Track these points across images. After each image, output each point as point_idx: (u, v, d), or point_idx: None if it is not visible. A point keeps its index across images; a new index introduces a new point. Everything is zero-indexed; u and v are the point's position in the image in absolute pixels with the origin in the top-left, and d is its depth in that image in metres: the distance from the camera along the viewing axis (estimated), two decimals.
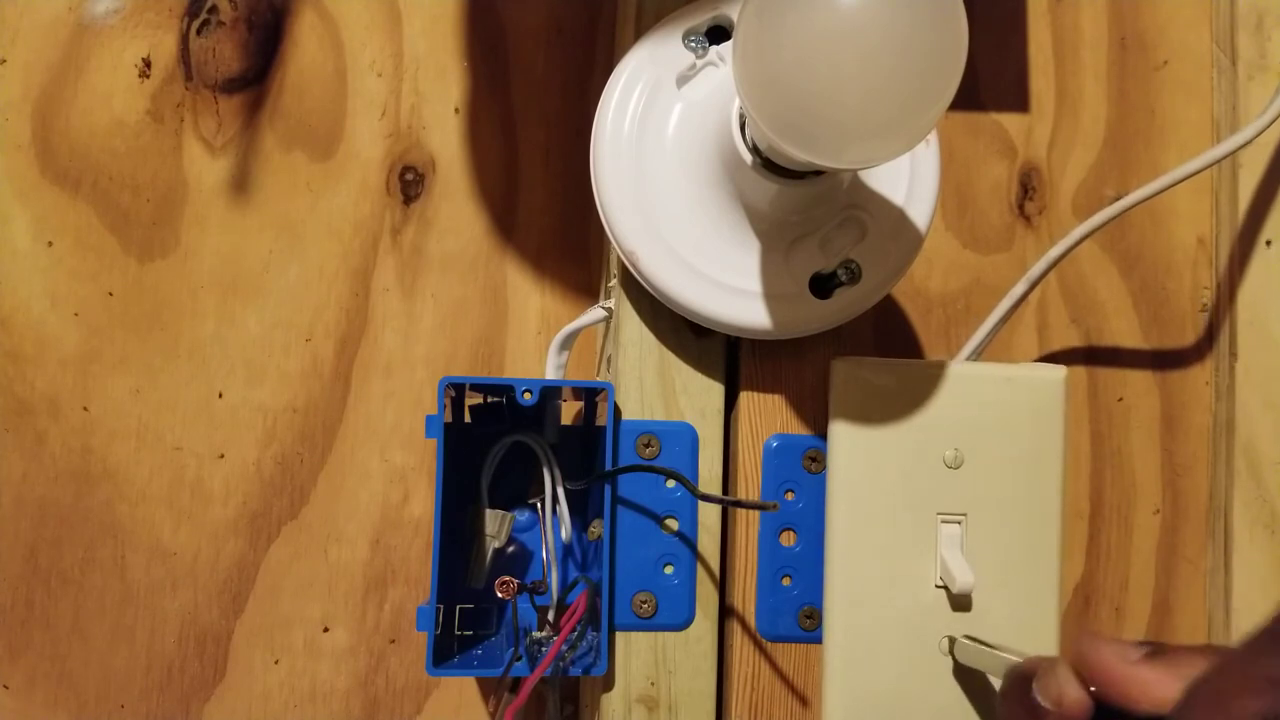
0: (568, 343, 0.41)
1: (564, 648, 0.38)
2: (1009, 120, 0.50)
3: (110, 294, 0.46)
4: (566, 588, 0.41)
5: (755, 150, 0.34)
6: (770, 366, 0.41)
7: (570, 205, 0.48)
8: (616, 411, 0.39)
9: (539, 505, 0.40)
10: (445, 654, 0.38)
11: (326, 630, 0.46)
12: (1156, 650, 0.30)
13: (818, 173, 0.34)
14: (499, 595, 0.36)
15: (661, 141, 0.38)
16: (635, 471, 0.39)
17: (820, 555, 0.40)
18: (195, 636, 0.45)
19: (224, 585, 0.46)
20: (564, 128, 0.48)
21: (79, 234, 0.46)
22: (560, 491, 0.40)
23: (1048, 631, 0.39)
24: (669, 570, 0.39)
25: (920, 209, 0.38)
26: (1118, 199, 0.43)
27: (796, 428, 0.40)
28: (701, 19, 0.38)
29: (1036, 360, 0.49)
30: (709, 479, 0.40)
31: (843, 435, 0.39)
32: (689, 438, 0.40)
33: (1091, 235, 0.42)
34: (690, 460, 0.40)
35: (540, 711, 0.46)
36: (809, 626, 0.40)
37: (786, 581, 0.40)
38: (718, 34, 0.39)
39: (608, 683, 0.39)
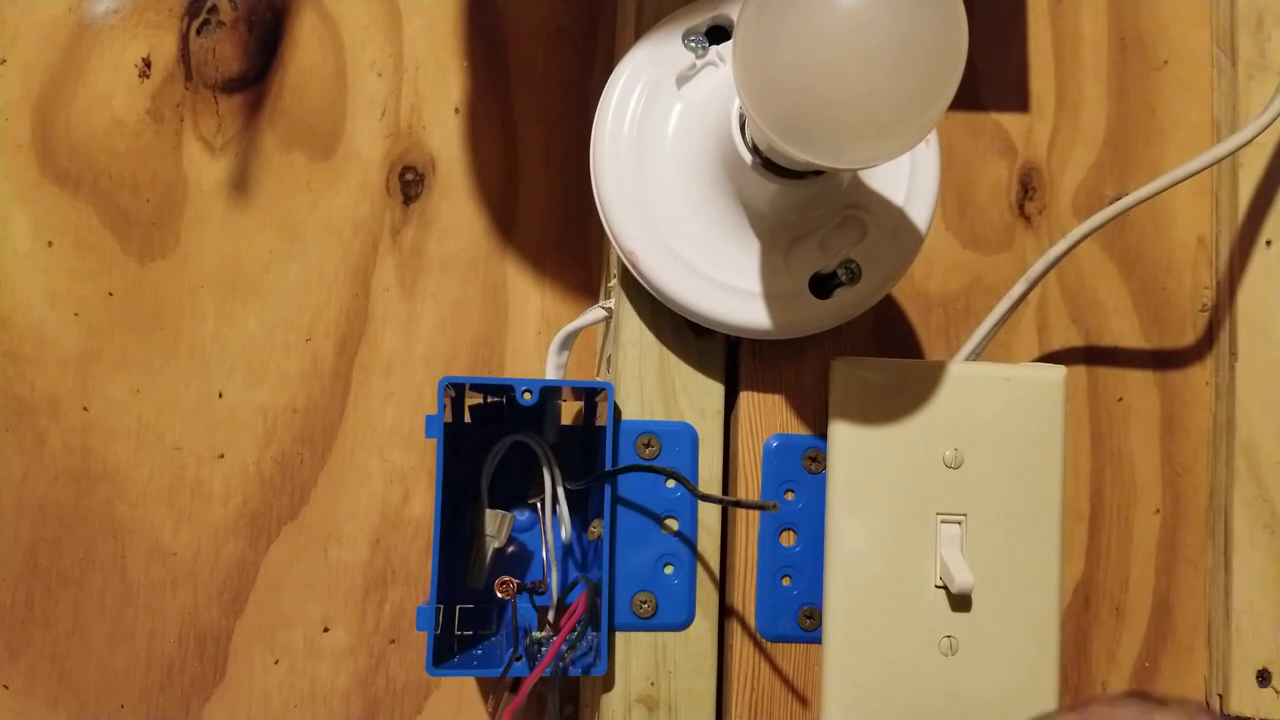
0: (568, 343, 0.41)
1: (564, 648, 0.38)
2: (1009, 120, 0.50)
3: (110, 294, 0.46)
4: (566, 588, 0.41)
5: (755, 150, 0.34)
6: (770, 366, 0.41)
7: (570, 205, 0.48)
8: (616, 411, 0.39)
9: (539, 505, 0.40)
10: (445, 654, 0.38)
11: (326, 630, 0.46)
12: None
13: (817, 173, 0.34)
14: (499, 595, 0.36)
15: (661, 141, 0.38)
16: (635, 471, 0.39)
17: (820, 555, 0.40)
18: (195, 636, 0.45)
19: (224, 585, 0.46)
20: (564, 128, 0.48)
21: (79, 234, 0.46)
22: (560, 491, 0.40)
23: (1048, 631, 0.39)
24: (669, 570, 0.39)
25: (920, 209, 0.38)
26: (1118, 199, 0.43)
27: (796, 428, 0.40)
28: (701, 19, 0.38)
29: (1036, 360, 0.49)
30: (709, 479, 0.40)
31: (843, 435, 0.39)
32: (689, 438, 0.40)
33: (1091, 235, 0.42)
34: (690, 460, 0.40)
35: (540, 712, 0.46)
36: (809, 626, 0.40)
37: (786, 581, 0.40)
38: (718, 34, 0.39)
39: (608, 683, 0.39)
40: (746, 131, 0.35)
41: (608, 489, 0.38)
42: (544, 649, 0.38)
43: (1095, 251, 0.49)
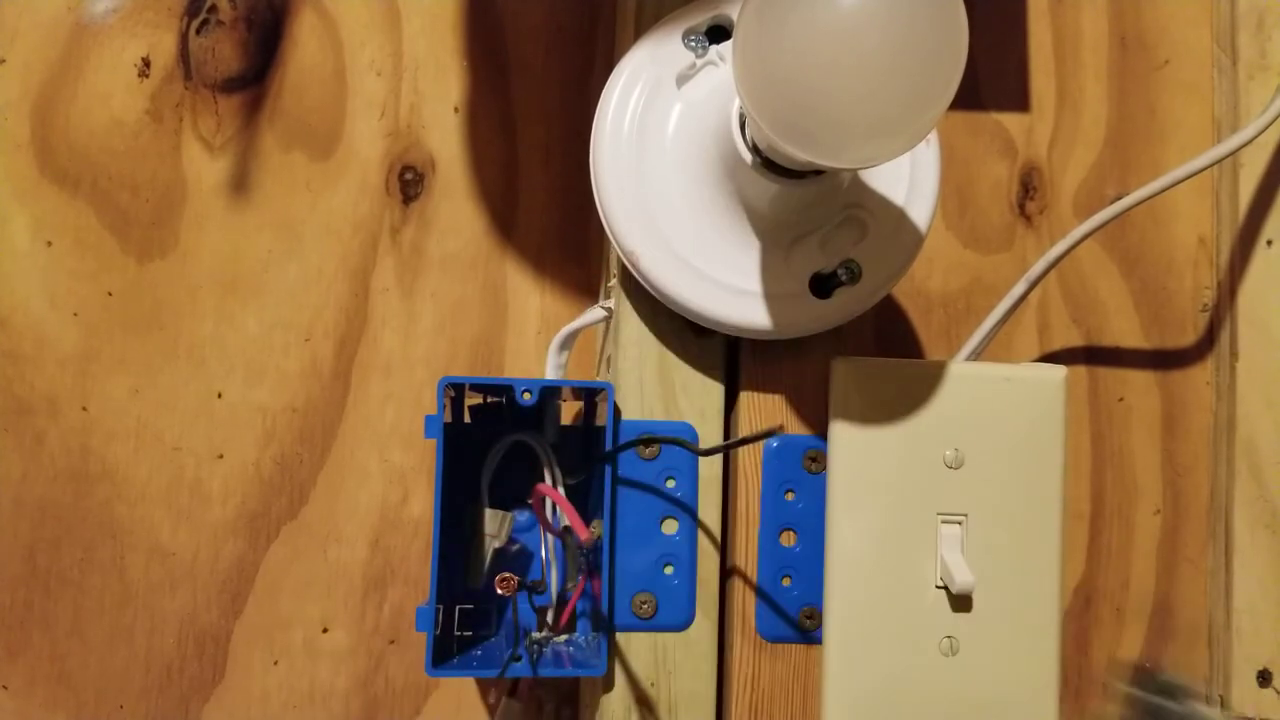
0: (568, 343, 0.41)
1: (565, 645, 0.38)
2: (1009, 120, 0.50)
3: (109, 294, 0.46)
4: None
5: (755, 150, 0.34)
6: (770, 366, 0.40)
7: (570, 205, 0.48)
8: (616, 411, 0.39)
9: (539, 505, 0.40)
10: (445, 654, 0.38)
11: (326, 631, 0.46)
12: None
13: (818, 172, 0.34)
14: (499, 592, 0.36)
15: (661, 141, 0.38)
16: (635, 445, 0.38)
17: (820, 555, 0.40)
18: (194, 637, 0.45)
19: (223, 585, 0.45)
20: (564, 128, 0.48)
21: (78, 234, 0.46)
22: (560, 491, 0.40)
23: (1048, 631, 0.39)
24: (669, 570, 0.39)
25: (920, 209, 0.38)
26: (1118, 198, 0.43)
27: (796, 428, 0.40)
28: (701, 19, 0.38)
29: (1037, 360, 0.49)
30: (709, 479, 0.40)
31: (843, 435, 0.39)
32: (689, 438, 0.40)
33: (1092, 235, 0.42)
34: (690, 460, 0.40)
35: (538, 715, 0.46)
36: (809, 626, 0.40)
37: (786, 581, 0.40)
38: (718, 33, 0.39)
39: (607, 683, 0.39)
40: (747, 131, 0.35)
41: (607, 489, 0.38)
42: (544, 649, 0.38)
43: (1096, 251, 0.49)
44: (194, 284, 0.46)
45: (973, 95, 0.50)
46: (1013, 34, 0.50)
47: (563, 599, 0.40)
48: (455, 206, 0.48)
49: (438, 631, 0.37)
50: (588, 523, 0.42)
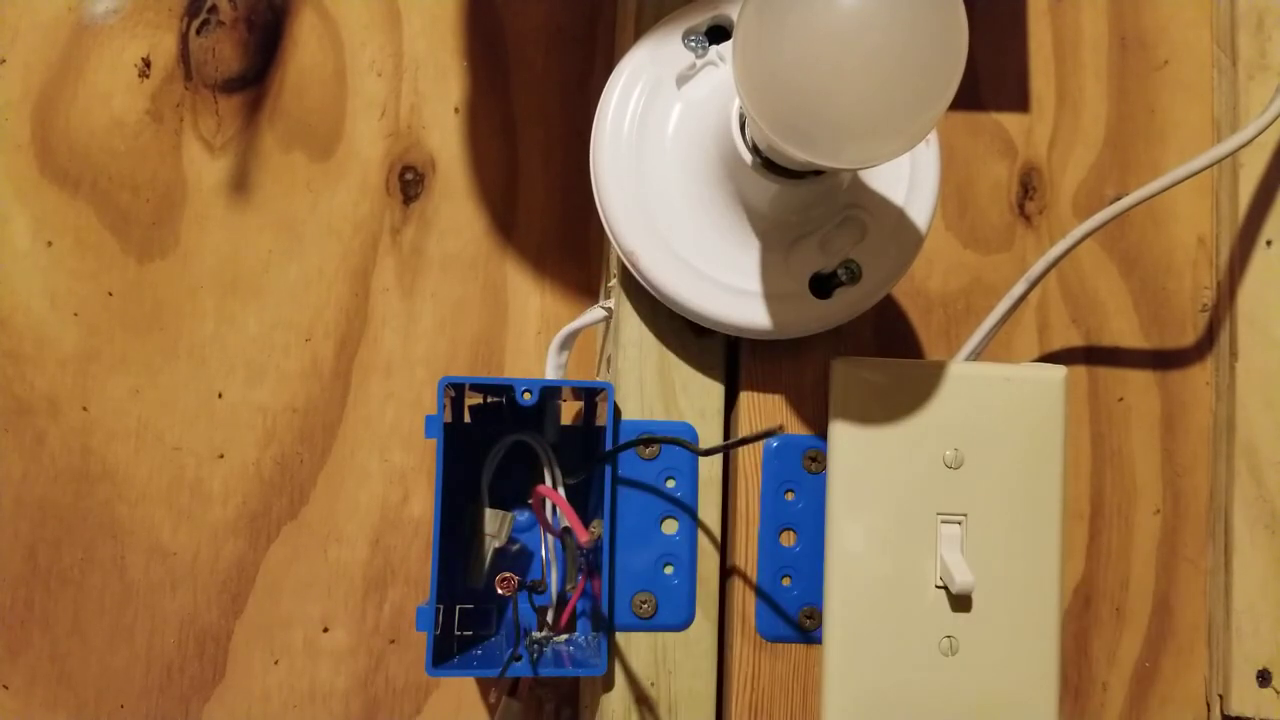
0: (568, 343, 0.41)
1: (568, 645, 0.38)
2: (1009, 120, 0.50)
3: (110, 294, 0.46)
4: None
5: (755, 150, 0.34)
6: (770, 366, 0.41)
7: (570, 205, 0.48)
8: (616, 411, 0.39)
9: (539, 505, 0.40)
10: (445, 654, 0.38)
11: (326, 630, 0.46)
12: None
13: (818, 172, 0.34)
14: (500, 592, 0.36)
15: (661, 141, 0.38)
16: (635, 445, 0.38)
17: (820, 555, 0.40)
18: (195, 636, 0.45)
19: (224, 585, 0.46)
20: (564, 128, 0.48)
21: (79, 234, 0.46)
22: (560, 491, 0.40)
23: (1048, 631, 0.39)
24: (669, 570, 0.39)
25: (920, 209, 0.38)
26: (1118, 199, 0.43)
27: (796, 428, 0.40)
28: (701, 19, 0.38)
29: (1036, 360, 0.49)
30: (709, 479, 0.40)
31: (843, 435, 0.39)
32: (689, 438, 0.40)
33: (1092, 235, 0.42)
34: (690, 460, 0.40)
35: (538, 715, 0.46)
36: (809, 626, 0.40)
37: (786, 581, 0.40)
38: (718, 34, 0.39)
39: (607, 683, 0.39)
40: (746, 131, 0.35)
41: (607, 489, 0.38)
42: (544, 649, 0.38)
43: (1095, 251, 0.49)
44: (194, 284, 0.46)
45: (973, 95, 0.50)
46: (1013, 34, 0.50)
47: (563, 599, 0.40)
48: (455, 207, 0.48)
49: (438, 631, 0.37)
50: (587, 523, 0.42)
